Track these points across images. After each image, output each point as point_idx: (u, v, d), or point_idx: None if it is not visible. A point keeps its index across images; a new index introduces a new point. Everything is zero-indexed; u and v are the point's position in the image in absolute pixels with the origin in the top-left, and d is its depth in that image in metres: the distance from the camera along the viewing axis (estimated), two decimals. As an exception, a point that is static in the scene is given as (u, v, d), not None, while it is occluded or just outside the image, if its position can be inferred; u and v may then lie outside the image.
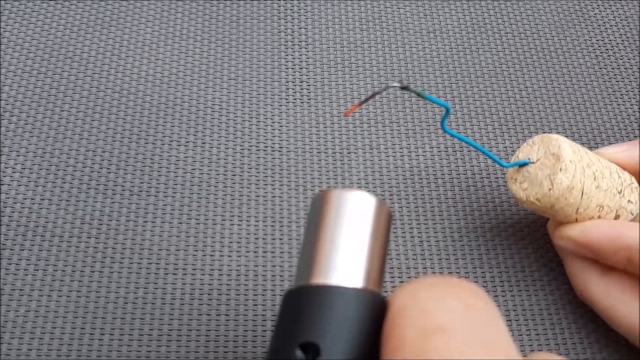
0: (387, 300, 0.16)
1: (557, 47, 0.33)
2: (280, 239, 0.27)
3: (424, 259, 0.27)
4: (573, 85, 0.32)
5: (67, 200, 0.27)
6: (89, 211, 0.26)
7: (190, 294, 0.25)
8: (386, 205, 0.17)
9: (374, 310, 0.15)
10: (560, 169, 0.23)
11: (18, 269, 0.25)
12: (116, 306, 0.25)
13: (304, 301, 0.15)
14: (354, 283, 0.15)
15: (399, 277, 0.26)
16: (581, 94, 0.32)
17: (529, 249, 0.28)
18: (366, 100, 0.21)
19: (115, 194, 0.27)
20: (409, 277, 0.26)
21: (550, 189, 0.23)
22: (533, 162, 0.24)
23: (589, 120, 0.31)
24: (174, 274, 0.26)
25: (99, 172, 0.27)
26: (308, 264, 0.16)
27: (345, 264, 0.16)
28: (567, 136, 0.31)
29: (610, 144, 0.31)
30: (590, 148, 0.30)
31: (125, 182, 0.27)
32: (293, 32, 0.32)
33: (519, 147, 0.30)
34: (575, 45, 0.34)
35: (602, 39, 0.34)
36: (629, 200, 0.25)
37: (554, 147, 0.24)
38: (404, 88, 0.21)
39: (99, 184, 0.27)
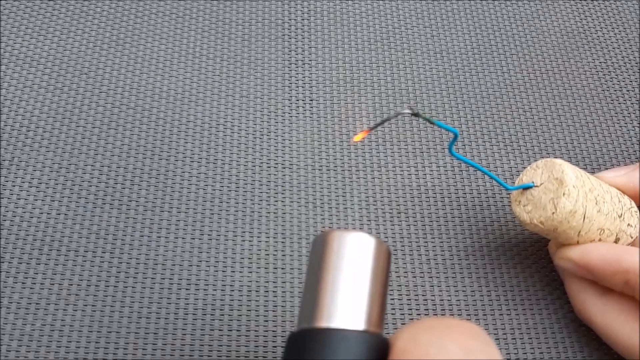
0: (388, 341, 0.16)
1: (561, 69, 0.34)
2: (291, 255, 0.27)
3: (430, 277, 0.28)
4: (576, 107, 0.33)
5: (82, 215, 0.27)
6: (104, 226, 0.27)
7: (203, 309, 0.26)
8: (385, 245, 0.18)
9: (376, 352, 0.16)
10: (564, 194, 0.24)
11: (34, 283, 0.26)
12: (130, 320, 0.25)
13: (307, 345, 0.16)
14: (355, 325, 0.16)
15: (407, 295, 0.27)
16: (584, 116, 0.33)
17: (532, 269, 0.28)
18: (376, 126, 0.22)
19: (129, 210, 0.28)
20: (417, 295, 0.27)
21: (553, 213, 0.24)
22: (537, 186, 0.25)
23: (592, 142, 0.32)
24: (187, 289, 0.26)
25: (113, 187, 0.28)
26: (310, 307, 0.16)
27: (347, 307, 0.16)
28: (570, 158, 0.31)
29: (613, 165, 0.31)
30: (592, 170, 0.31)
31: (139, 197, 0.28)
32: (303, 51, 0.33)
33: (523, 169, 0.31)
34: (578, 67, 0.34)
35: (605, 61, 0.35)
36: (628, 224, 0.25)
37: (557, 171, 0.24)
38: (414, 115, 0.21)
39: (113, 200, 0.28)
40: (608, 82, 0.34)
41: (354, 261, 0.17)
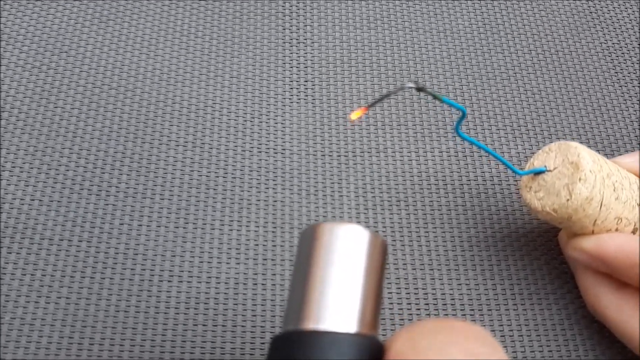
0: (383, 345, 0.15)
1: (572, 49, 0.32)
2: (282, 245, 0.26)
3: (432, 269, 0.26)
4: (588, 90, 0.31)
5: (58, 201, 0.25)
6: (81, 213, 0.25)
7: (186, 303, 0.24)
8: (380, 238, 0.16)
9: (369, 356, 0.14)
10: (580, 179, 0.22)
11: (4, 273, 0.24)
12: (107, 314, 0.23)
13: (293, 348, 0.14)
14: (347, 328, 0.15)
15: (405, 289, 0.25)
16: (596, 99, 0.31)
17: (541, 260, 0.26)
18: (377, 102, 0.20)
19: (109, 195, 0.26)
20: (416, 289, 0.25)
21: (568, 200, 0.22)
22: (550, 171, 0.23)
23: (605, 126, 0.30)
24: (169, 281, 0.24)
25: (92, 172, 0.26)
26: (297, 307, 0.15)
27: (338, 307, 0.15)
28: (582, 142, 0.29)
29: (627, 151, 0.29)
30: (606, 155, 0.29)
31: (120, 183, 0.26)
32: (298, 29, 0.31)
33: (531, 154, 0.29)
34: (590, 48, 0.32)
35: (619, 41, 0.33)
36: (649, 213, 0.24)
37: (572, 155, 0.23)
38: (419, 89, 0.20)
39: (92, 185, 0.26)
40: (622, 64, 0.32)
41: (345, 256, 0.15)
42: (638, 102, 0.31)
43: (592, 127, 0.30)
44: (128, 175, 0.26)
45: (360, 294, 0.15)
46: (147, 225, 0.25)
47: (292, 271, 0.17)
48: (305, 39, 0.31)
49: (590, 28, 0.33)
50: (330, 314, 0.15)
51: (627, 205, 0.23)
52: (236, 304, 0.24)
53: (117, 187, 0.26)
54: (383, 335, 0.24)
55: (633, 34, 0.33)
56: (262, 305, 0.24)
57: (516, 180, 0.28)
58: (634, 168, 0.25)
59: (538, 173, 0.24)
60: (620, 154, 0.29)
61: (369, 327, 0.15)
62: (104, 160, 0.27)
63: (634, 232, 0.24)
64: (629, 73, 0.32)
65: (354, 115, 0.21)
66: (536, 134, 0.29)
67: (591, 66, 0.32)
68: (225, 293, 0.24)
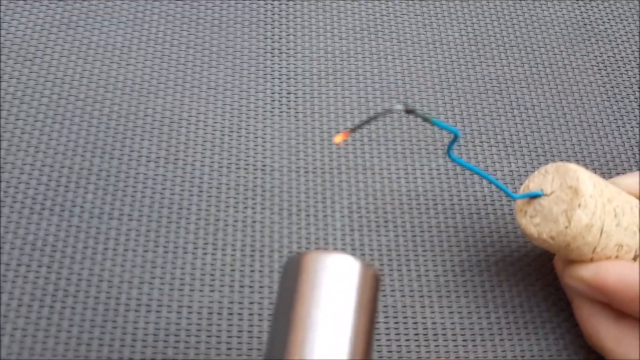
0: None
1: (566, 63, 0.31)
2: (261, 271, 0.24)
3: (421, 296, 0.24)
4: (583, 105, 0.30)
5: (16, 222, 0.23)
6: (41, 235, 0.23)
7: (155, 335, 0.22)
8: (372, 270, 0.15)
9: None
10: (579, 205, 0.21)
11: (-46, 303, 0.22)
12: (67, 348, 0.22)
13: None
14: None
15: (394, 317, 0.24)
16: (592, 115, 0.30)
17: (536, 286, 0.25)
18: (361, 125, 0.19)
19: (72, 216, 0.24)
20: (405, 318, 0.24)
21: (566, 227, 0.21)
22: (547, 195, 0.22)
23: (601, 143, 0.29)
24: (136, 310, 0.23)
25: (55, 190, 0.24)
26: (279, 347, 0.14)
27: (325, 349, 0.14)
28: (578, 160, 0.28)
29: (625, 170, 0.28)
30: (603, 175, 0.28)
31: (84, 202, 0.24)
32: (280, 38, 0.30)
33: (525, 173, 0.27)
34: (585, 62, 0.31)
35: (614, 55, 0.32)
36: (652, 239, 0.22)
37: (571, 179, 0.21)
38: (408, 112, 0.18)
39: (54, 204, 0.24)
40: (617, 78, 0.31)
41: (333, 291, 0.14)
42: (636, 118, 0.30)
43: (588, 145, 0.29)
44: (94, 194, 0.24)
45: (350, 331, 0.14)
46: (114, 249, 0.23)
47: (274, 306, 0.15)
48: (288, 49, 0.29)
49: (585, 41, 0.32)
50: (317, 353, 0.14)
51: (628, 232, 0.22)
52: (210, 337, 0.22)
53: (81, 207, 0.24)
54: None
55: (629, 47, 0.32)
56: (238, 337, 0.22)
57: (510, 201, 0.26)
58: (634, 190, 0.23)
59: (534, 197, 0.22)
60: (619, 173, 0.28)
61: None
62: (68, 177, 0.25)
63: (634, 259, 0.22)
64: (625, 88, 0.31)
65: (338, 139, 0.20)
66: (529, 151, 0.28)
67: (586, 80, 0.31)
68: (198, 324, 0.23)
